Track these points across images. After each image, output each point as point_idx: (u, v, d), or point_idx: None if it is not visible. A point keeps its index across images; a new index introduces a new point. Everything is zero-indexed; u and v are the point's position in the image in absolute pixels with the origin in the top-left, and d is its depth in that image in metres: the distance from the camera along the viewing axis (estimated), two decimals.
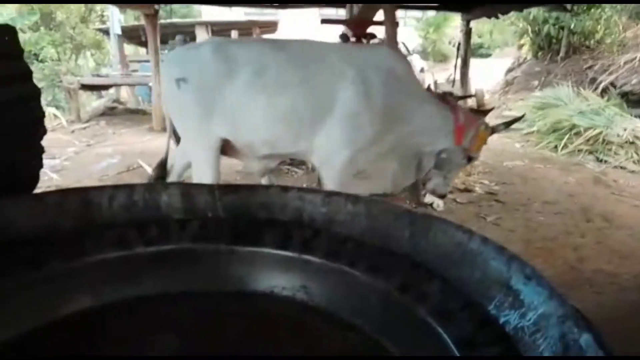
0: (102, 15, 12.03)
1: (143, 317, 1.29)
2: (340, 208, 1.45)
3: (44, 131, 1.40)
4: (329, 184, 2.59)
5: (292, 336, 1.28)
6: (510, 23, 11.70)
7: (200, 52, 2.78)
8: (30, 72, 1.31)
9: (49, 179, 4.45)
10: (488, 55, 15.93)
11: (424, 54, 16.59)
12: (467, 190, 4.41)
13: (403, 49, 12.07)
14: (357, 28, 4.62)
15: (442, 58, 12.86)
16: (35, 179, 1.43)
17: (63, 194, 1.36)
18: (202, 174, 3.01)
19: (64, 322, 1.18)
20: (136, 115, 8.13)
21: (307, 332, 1.30)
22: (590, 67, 8.02)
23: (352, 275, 1.28)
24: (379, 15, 4.83)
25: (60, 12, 11.48)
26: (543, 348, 0.82)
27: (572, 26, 8.70)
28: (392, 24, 4.56)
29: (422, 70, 11.18)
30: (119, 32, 9.60)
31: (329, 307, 1.30)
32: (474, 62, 9.53)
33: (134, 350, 1.16)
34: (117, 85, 8.83)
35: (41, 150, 1.41)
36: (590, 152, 6.25)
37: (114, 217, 1.42)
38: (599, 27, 8.80)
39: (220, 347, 1.20)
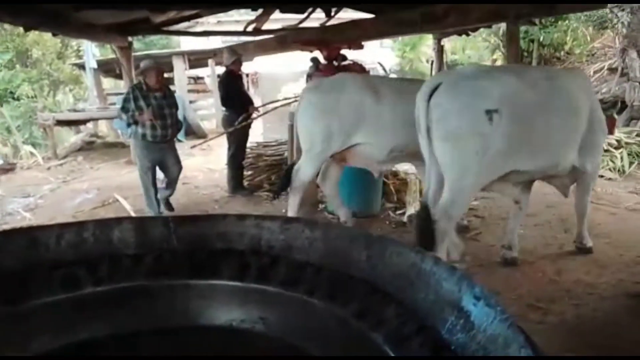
0: (79, 50, 12.03)
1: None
2: (298, 234, 1.41)
3: None
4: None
5: None
6: (483, 39, 12.02)
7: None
8: None
9: (22, 218, 4.35)
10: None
11: (401, 73, 16.99)
12: None
13: (380, 69, 12.28)
14: (330, 51, 4.68)
15: (420, 76, 13.11)
16: None
17: (6, 235, 1.30)
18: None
19: None
20: (114, 148, 8.05)
21: None
22: None
23: (311, 303, 1.24)
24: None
25: (36, 49, 11.47)
26: None
27: (541, 39, 8.94)
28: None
29: None
30: (95, 65, 9.59)
31: (288, 338, 1.26)
32: None
33: None
34: (94, 120, 8.77)
35: None
36: None
37: (62, 256, 1.36)
38: (568, 38, 9.06)
39: None
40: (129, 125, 4.20)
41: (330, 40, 4.70)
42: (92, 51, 9.64)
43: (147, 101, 4.03)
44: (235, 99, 4.95)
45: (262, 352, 1.29)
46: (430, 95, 2.74)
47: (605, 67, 7.66)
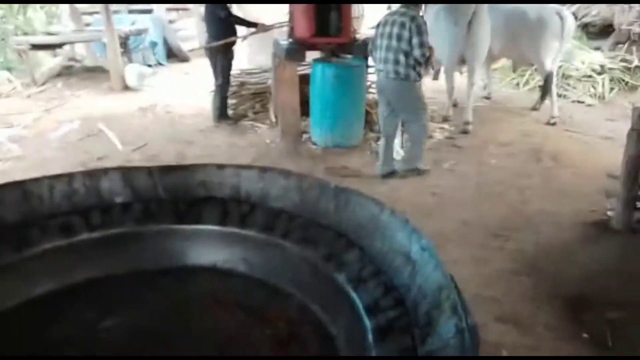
0: None
1: (93, 297, 1.39)
2: (274, 183, 1.53)
3: None
4: None
5: (236, 306, 1.40)
6: None
7: None
8: None
9: (8, 150, 4.38)
10: None
11: None
12: (428, 137, 4.51)
13: None
14: None
15: None
16: None
17: (1, 189, 1.40)
18: None
19: (15, 312, 1.27)
20: (94, 73, 7.83)
21: (249, 301, 1.42)
22: None
23: (286, 247, 1.40)
24: None
25: None
26: (425, 310, 0.95)
27: None
28: None
29: (389, 7, 11.02)
30: None
31: (267, 278, 1.42)
32: None
33: (87, 331, 1.27)
34: (70, 43, 8.43)
35: None
36: None
37: (57, 206, 1.47)
38: None
39: (169, 322, 1.32)
40: None
41: None
42: None
43: None
44: (225, 30, 4.80)
45: (242, 290, 1.45)
46: None
47: None
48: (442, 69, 5.22)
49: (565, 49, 5.20)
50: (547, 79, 5.10)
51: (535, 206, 3.08)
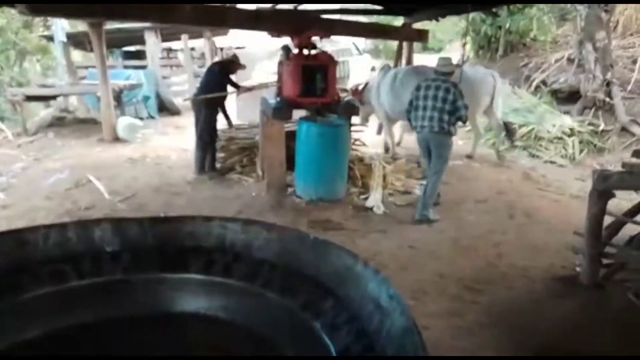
0: (46, 20, 11.67)
1: (81, 341, 1.45)
2: (257, 234, 1.64)
3: None
4: None
5: (214, 352, 1.47)
6: (453, 23, 12.19)
7: None
8: None
9: None
10: (440, 50, 16.64)
11: (376, 52, 17.22)
12: (407, 192, 4.70)
13: (354, 50, 12.40)
14: (301, 39, 4.82)
15: (392, 55, 13.38)
16: None
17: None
18: None
19: (9, 351, 1.33)
20: (86, 125, 7.98)
21: (227, 345, 1.49)
22: (525, 65, 8.52)
23: (266, 295, 1.49)
24: None
25: (0, 17, 11.07)
26: (392, 352, 1.05)
27: (507, 25, 9.20)
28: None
29: (372, 68, 11.56)
30: (64, 39, 9.37)
31: (246, 323, 1.50)
32: (422, 58, 9.93)
33: None
34: (64, 95, 8.66)
35: None
36: (524, 148, 6.70)
37: (49, 253, 1.55)
38: (533, 25, 9.36)
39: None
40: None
41: (301, 29, 4.84)
42: (61, 24, 9.41)
43: None
44: (214, 86, 5.07)
45: (225, 336, 1.52)
46: None
47: (565, 57, 8.01)
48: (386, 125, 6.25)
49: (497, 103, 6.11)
50: (505, 125, 6.14)
51: (509, 260, 3.21)
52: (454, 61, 4.68)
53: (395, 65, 7.40)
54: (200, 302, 1.57)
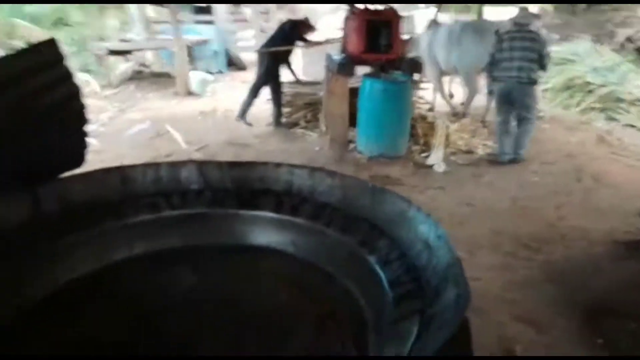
0: None
1: (173, 260, 1.73)
2: (322, 181, 1.82)
3: (86, 120, 1.79)
4: None
5: (282, 281, 1.70)
6: None
7: None
8: (71, 74, 1.65)
9: (89, 144, 4.89)
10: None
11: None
12: (469, 152, 4.66)
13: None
14: None
15: (459, 8, 12.64)
16: (83, 158, 1.84)
17: (105, 173, 1.77)
18: None
19: (114, 266, 1.63)
20: (161, 78, 8.51)
21: (293, 277, 1.71)
22: (609, 20, 7.84)
23: (328, 233, 1.68)
24: None
25: None
26: (435, 284, 1.20)
27: None
28: None
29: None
30: None
31: (310, 258, 1.71)
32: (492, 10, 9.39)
33: (164, 282, 1.60)
34: (143, 50, 9.23)
35: (85, 135, 1.82)
36: (602, 110, 6.28)
37: (146, 188, 1.83)
38: None
39: (226, 282, 1.63)
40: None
41: None
42: None
43: None
44: (281, 41, 5.25)
45: (291, 267, 1.74)
46: None
47: None
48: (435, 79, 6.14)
49: None
50: None
51: (570, 223, 3.18)
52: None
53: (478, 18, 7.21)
54: (271, 236, 1.79)
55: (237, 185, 1.89)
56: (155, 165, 1.85)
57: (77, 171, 1.73)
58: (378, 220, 1.59)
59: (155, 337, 1.35)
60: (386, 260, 1.44)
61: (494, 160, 4.38)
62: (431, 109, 6.05)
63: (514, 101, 4.21)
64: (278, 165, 1.89)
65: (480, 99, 5.80)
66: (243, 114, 5.69)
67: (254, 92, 5.58)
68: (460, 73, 5.80)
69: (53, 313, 1.38)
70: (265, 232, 1.81)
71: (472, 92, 5.72)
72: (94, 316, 1.40)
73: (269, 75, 5.40)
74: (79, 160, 1.84)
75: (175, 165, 1.88)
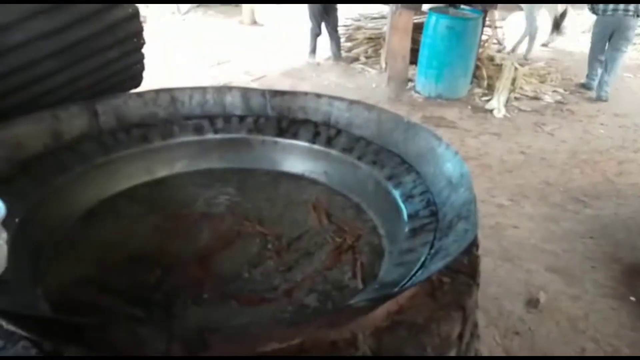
0: None
1: (211, 180, 1.85)
2: (359, 113, 1.83)
3: (143, 41, 1.89)
4: None
5: (311, 207, 1.78)
6: None
7: None
8: None
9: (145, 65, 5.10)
10: None
11: None
12: (536, 98, 4.37)
13: None
14: None
15: None
16: (140, 78, 1.96)
17: (156, 93, 1.88)
18: None
19: (161, 181, 1.78)
20: (228, 7, 8.53)
21: (325, 204, 1.78)
22: None
23: (359, 166, 1.72)
24: None
25: None
26: (450, 219, 1.23)
27: None
28: None
29: None
30: None
31: (342, 188, 1.77)
32: None
33: (207, 195, 1.74)
34: None
35: (142, 56, 1.93)
36: None
37: (192, 110, 1.94)
38: None
39: (262, 202, 1.73)
40: None
41: None
42: None
43: None
44: None
45: (323, 195, 1.81)
46: None
47: None
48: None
49: None
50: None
51: (629, 180, 2.99)
52: None
53: None
54: (306, 165, 1.86)
55: (278, 113, 1.95)
56: (201, 89, 1.94)
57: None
58: (408, 155, 1.61)
59: (186, 243, 1.49)
60: (409, 195, 1.47)
61: (563, 109, 4.11)
62: (500, 50, 5.69)
63: (615, 32, 4.28)
64: (318, 96, 1.91)
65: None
66: (312, 51, 5.62)
67: (316, 29, 5.46)
68: (524, 8, 5.41)
69: (100, 220, 1.55)
70: (301, 160, 1.87)
71: (532, 30, 5.40)
72: (137, 222, 1.56)
73: (324, 9, 5.26)
74: (137, 80, 1.96)
75: (220, 90, 1.96)
